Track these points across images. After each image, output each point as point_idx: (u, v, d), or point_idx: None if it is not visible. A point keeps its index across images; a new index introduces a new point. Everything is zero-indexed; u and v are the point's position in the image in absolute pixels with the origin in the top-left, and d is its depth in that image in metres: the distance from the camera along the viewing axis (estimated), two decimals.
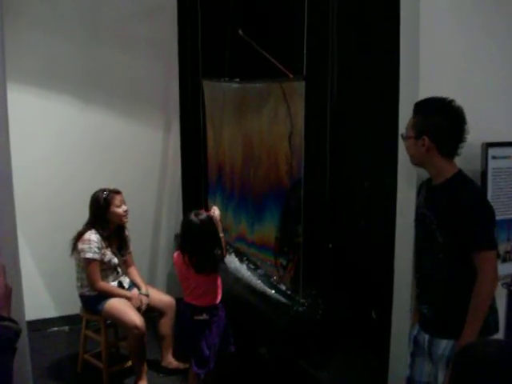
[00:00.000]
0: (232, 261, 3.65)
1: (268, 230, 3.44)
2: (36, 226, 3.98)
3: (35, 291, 3.95)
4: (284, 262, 3.28)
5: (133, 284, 3.52)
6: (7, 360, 1.25)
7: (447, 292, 2.07)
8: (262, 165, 3.46)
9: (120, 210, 3.37)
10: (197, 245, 2.82)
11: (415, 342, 2.21)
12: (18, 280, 2.49)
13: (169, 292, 3.84)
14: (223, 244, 2.96)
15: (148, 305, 3.40)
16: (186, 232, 2.86)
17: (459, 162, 2.10)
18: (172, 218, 4.56)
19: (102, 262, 3.31)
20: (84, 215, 3.37)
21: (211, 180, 4.20)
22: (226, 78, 3.81)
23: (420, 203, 2.18)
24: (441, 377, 2.06)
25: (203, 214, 2.86)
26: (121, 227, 3.47)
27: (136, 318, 3.21)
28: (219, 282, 2.94)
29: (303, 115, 2.91)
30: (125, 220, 3.41)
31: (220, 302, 2.94)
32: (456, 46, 2.31)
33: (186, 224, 2.86)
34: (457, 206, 1.98)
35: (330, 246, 2.81)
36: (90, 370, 3.47)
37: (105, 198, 3.34)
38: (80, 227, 3.36)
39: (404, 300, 2.41)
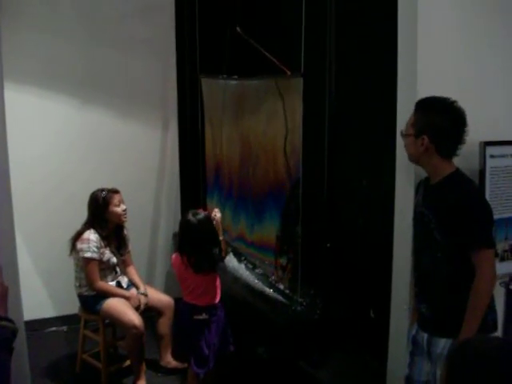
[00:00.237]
0: (230, 260, 3.65)
1: (268, 230, 3.44)
2: (34, 225, 3.97)
3: (33, 291, 3.94)
4: (284, 262, 3.28)
5: (131, 283, 3.52)
6: (4, 360, 1.25)
7: (446, 291, 2.06)
8: (261, 163, 3.45)
9: (119, 210, 3.37)
10: (195, 244, 2.81)
11: (414, 341, 2.20)
12: (16, 279, 2.49)
13: (167, 291, 3.83)
14: (223, 246, 2.95)
15: (146, 304, 3.40)
16: (184, 232, 2.86)
17: (457, 160, 2.09)
18: (170, 217, 4.57)
19: (100, 261, 3.31)
20: (82, 214, 3.37)
21: (209, 179, 4.20)
22: (224, 75, 3.81)
23: (418, 202, 2.17)
24: (439, 376, 2.06)
25: (201, 214, 2.85)
26: (119, 226, 3.47)
27: (134, 318, 3.21)
28: (218, 281, 2.94)
29: (301, 112, 2.91)
30: (123, 219, 3.41)
31: (219, 301, 2.94)
32: (454, 45, 2.31)
33: (184, 224, 2.85)
34: (455, 205, 1.97)
35: (328, 245, 2.81)
36: (88, 370, 3.47)
37: (103, 198, 3.33)
38: (78, 226, 3.35)
39: (402, 299, 2.40)
